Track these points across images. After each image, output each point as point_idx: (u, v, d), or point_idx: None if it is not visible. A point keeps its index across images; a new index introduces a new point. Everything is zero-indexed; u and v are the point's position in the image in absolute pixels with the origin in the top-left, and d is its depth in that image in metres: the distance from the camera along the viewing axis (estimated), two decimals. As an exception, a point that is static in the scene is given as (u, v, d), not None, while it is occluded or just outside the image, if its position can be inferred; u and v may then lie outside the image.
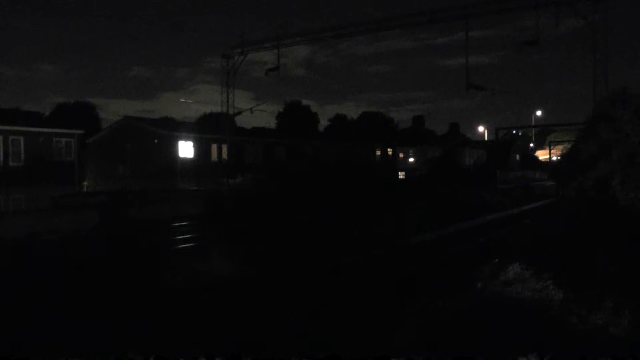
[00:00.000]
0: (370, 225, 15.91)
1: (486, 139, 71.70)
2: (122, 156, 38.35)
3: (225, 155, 39.63)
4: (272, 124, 67.40)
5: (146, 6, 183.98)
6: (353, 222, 16.34)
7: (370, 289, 8.04)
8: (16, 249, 13.15)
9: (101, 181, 35.35)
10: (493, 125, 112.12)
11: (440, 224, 15.04)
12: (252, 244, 13.20)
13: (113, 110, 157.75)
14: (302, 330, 6.21)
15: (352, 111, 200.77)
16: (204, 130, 43.76)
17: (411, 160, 62.89)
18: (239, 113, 37.22)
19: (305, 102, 72.20)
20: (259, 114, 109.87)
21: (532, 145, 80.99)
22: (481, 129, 79.17)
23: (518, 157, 62.67)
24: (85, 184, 32.60)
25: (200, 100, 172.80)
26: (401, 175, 50.07)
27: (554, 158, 54.99)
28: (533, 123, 69.97)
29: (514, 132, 73.57)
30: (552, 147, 61.12)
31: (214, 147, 41.52)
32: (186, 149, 39.69)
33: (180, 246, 13.89)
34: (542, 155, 71.42)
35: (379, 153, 58.49)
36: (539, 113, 79.38)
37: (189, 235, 15.44)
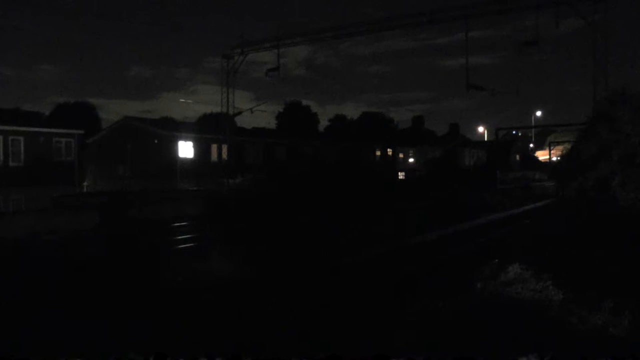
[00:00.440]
0: (370, 225, 15.92)
1: (486, 139, 71.83)
2: (122, 156, 38.35)
3: (225, 155, 39.64)
4: (272, 124, 67.39)
5: (146, 6, 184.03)
6: (353, 222, 16.35)
7: (370, 288, 8.04)
8: (16, 248, 13.16)
9: (101, 181, 35.35)
10: (493, 125, 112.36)
11: (440, 224, 15.03)
12: (252, 244, 13.20)
13: (113, 110, 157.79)
14: (302, 330, 6.21)
15: (352, 111, 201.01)
16: (203, 130, 43.76)
17: (411, 160, 62.90)
18: (239, 113, 37.26)
19: (305, 102, 72.20)
20: (258, 114, 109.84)
21: (531, 145, 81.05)
22: (481, 129, 79.31)
23: (518, 157, 62.77)
24: (85, 184, 32.59)
25: (200, 100, 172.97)
26: (401, 175, 50.10)
27: (554, 158, 54.93)
28: (533, 123, 70.04)
29: (514, 132, 73.78)
30: (551, 148, 61.10)
31: (214, 147, 41.52)
32: (186, 149, 39.69)
33: (180, 246, 13.89)
34: (542, 155, 71.42)
35: (378, 153, 58.50)
36: (538, 113, 79.48)
37: (188, 235, 15.44)
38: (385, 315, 6.85)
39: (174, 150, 38.82)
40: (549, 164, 55.35)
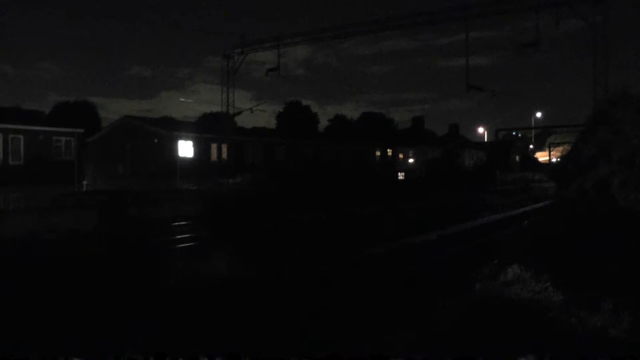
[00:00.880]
0: (370, 225, 15.93)
1: (486, 139, 71.78)
2: (121, 155, 38.37)
3: (224, 155, 39.65)
4: (272, 123, 67.44)
5: (146, 6, 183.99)
6: (352, 221, 16.36)
7: (370, 288, 8.04)
8: (15, 247, 13.16)
9: (101, 180, 35.36)
10: (492, 126, 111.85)
11: (440, 225, 15.04)
12: (252, 243, 13.21)
13: (113, 109, 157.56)
14: (301, 330, 6.22)
15: (352, 111, 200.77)
16: (203, 129, 43.77)
17: (410, 160, 62.91)
18: (239, 113, 37.25)
19: (305, 102, 72.24)
20: (258, 114, 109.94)
21: (531, 146, 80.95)
22: (481, 129, 79.18)
23: (517, 158, 62.71)
24: (85, 182, 32.57)
25: (200, 99, 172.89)
26: (400, 175, 50.07)
27: (554, 159, 55.00)
28: (532, 124, 70.08)
29: (514, 133, 73.62)
30: (551, 149, 61.19)
31: (214, 147, 41.52)
32: (186, 149, 39.69)
33: (180, 245, 13.89)
34: (542, 156, 71.42)
35: (378, 153, 58.53)
36: (538, 114, 79.23)
37: (188, 235, 15.45)
38: (385, 314, 6.86)
39: (173, 149, 38.82)
40: (548, 165, 55.40)
